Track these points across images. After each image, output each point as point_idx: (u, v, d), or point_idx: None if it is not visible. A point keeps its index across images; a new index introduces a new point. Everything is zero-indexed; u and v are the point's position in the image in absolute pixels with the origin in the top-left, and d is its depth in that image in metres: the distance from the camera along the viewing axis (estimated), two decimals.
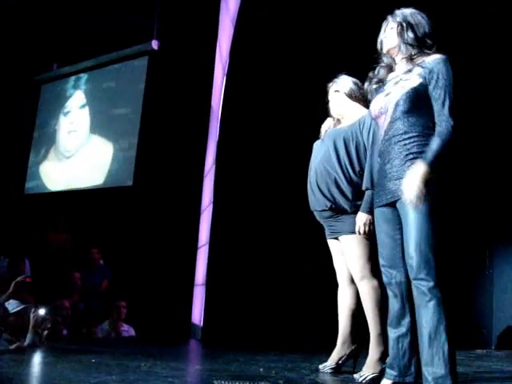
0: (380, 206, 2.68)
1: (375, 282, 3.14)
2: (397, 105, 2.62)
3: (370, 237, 3.10)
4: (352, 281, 3.27)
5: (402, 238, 2.59)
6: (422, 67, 2.59)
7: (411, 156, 2.53)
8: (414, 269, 2.48)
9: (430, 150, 2.46)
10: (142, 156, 7.81)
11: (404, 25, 2.68)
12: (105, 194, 8.01)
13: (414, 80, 2.60)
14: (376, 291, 3.13)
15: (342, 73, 3.48)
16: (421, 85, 2.58)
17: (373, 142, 3.10)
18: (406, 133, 2.58)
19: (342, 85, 3.43)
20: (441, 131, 2.49)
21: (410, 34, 2.66)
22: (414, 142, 2.55)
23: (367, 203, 3.08)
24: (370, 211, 3.01)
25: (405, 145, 2.57)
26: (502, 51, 5.06)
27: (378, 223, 2.72)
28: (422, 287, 2.46)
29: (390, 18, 2.76)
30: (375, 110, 2.72)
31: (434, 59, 2.59)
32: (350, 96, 3.39)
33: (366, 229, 3.09)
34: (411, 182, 2.44)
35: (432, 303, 2.44)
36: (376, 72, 2.80)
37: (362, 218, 3.11)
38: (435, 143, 2.47)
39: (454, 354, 2.42)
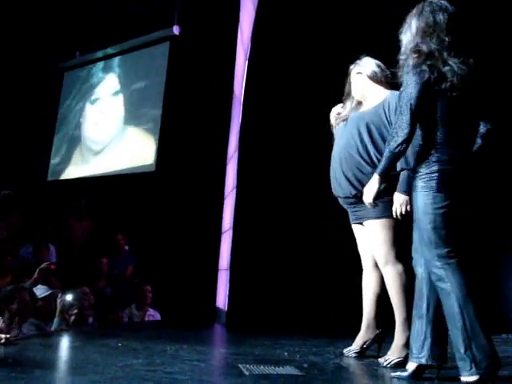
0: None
1: (400, 267, 3.11)
2: None
3: (401, 220, 3.04)
4: (377, 265, 3.24)
5: None
6: None
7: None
8: (418, 260, 2.62)
9: (381, 162, 2.68)
10: (165, 141, 7.85)
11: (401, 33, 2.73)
12: (130, 179, 8.06)
13: None
14: (401, 276, 3.10)
15: (364, 55, 3.44)
16: None
17: None
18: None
19: (364, 67, 3.38)
20: (387, 146, 2.62)
21: (404, 39, 2.70)
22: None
23: (403, 184, 3.00)
24: (407, 192, 2.95)
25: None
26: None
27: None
28: (432, 278, 2.55)
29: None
30: None
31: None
32: (373, 78, 3.34)
33: (403, 209, 3.01)
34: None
35: (442, 293, 2.51)
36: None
37: (398, 198, 3.00)
38: (384, 155, 2.65)
39: (472, 335, 2.44)
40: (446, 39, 2.56)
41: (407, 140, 2.53)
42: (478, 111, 2.66)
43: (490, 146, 2.65)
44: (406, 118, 2.50)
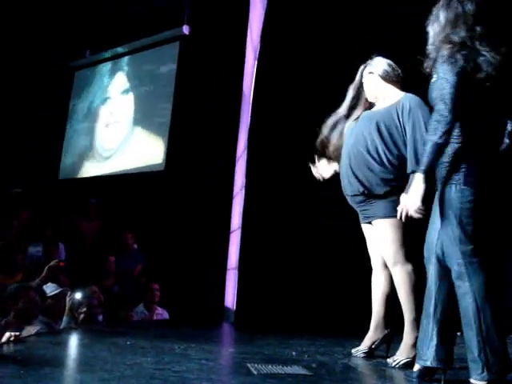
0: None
1: (409, 267, 3.10)
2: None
3: (409, 221, 3.04)
4: (386, 265, 3.23)
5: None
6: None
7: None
8: (447, 258, 2.53)
9: (422, 160, 2.51)
10: (175, 141, 7.86)
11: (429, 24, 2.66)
12: (139, 178, 8.09)
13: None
14: (410, 276, 3.09)
15: (375, 54, 3.43)
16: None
17: (413, 126, 3.07)
18: None
19: (375, 66, 3.36)
20: (429, 137, 2.48)
21: (432, 31, 2.62)
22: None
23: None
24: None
25: None
26: None
27: (434, 207, 2.69)
28: (453, 273, 2.49)
29: None
30: None
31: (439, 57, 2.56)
32: (384, 78, 3.32)
33: (410, 212, 3.01)
34: (408, 196, 2.55)
35: (460, 292, 2.47)
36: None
37: (406, 200, 3.03)
38: (426, 149, 2.49)
39: (486, 338, 2.41)
40: (477, 29, 2.51)
41: (450, 130, 2.44)
42: (507, 107, 2.61)
43: None
44: (447, 107, 2.41)
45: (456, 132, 2.50)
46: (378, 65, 3.36)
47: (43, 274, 4.61)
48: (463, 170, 2.48)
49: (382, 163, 3.15)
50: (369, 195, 3.19)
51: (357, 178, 3.21)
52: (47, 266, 4.70)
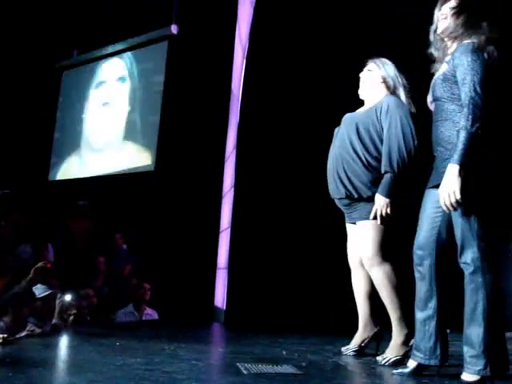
0: (431, 187, 2.66)
1: (386, 267, 3.11)
2: (433, 90, 2.66)
3: (387, 221, 3.08)
4: (363, 264, 3.25)
5: (441, 221, 2.62)
6: (453, 54, 2.58)
7: (450, 145, 2.52)
8: (459, 254, 2.51)
9: (456, 148, 2.40)
10: (164, 141, 7.85)
11: (460, 8, 2.63)
12: (129, 179, 8.06)
13: (445, 66, 2.62)
14: (388, 276, 3.10)
15: (373, 54, 3.41)
16: (448, 71, 2.58)
17: (389, 126, 3.09)
18: (444, 119, 2.60)
19: (377, 67, 3.35)
20: (463, 125, 2.41)
21: (462, 18, 2.61)
22: (449, 129, 2.56)
23: (385, 186, 3.06)
24: (388, 194, 3.02)
25: (442, 132, 2.60)
26: None
27: (424, 204, 2.70)
28: (465, 270, 2.50)
29: None
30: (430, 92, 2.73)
31: (460, 46, 2.56)
32: (385, 79, 3.31)
33: (383, 212, 3.06)
34: (444, 188, 2.42)
35: (471, 287, 2.47)
36: (430, 54, 2.77)
37: (379, 200, 3.08)
38: (459, 139, 2.41)
39: (492, 337, 2.43)
40: (495, 28, 2.56)
41: (483, 118, 2.40)
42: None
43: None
44: (479, 96, 2.40)
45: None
46: (381, 67, 3.34)
47: (30, 275, 4.57)
48: (480, 160, 2.46)
49: (363, 166, 3.17)
50: (354, 198, 3.21)
51: (341, 181, 3.23)
52: (34, 267, 4.67)
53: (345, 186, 3.21)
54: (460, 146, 2.40)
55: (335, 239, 4.60)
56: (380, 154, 3.14)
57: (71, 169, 9.13)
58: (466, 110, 2.42)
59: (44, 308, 4.49)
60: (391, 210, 3.04)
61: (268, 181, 5.48)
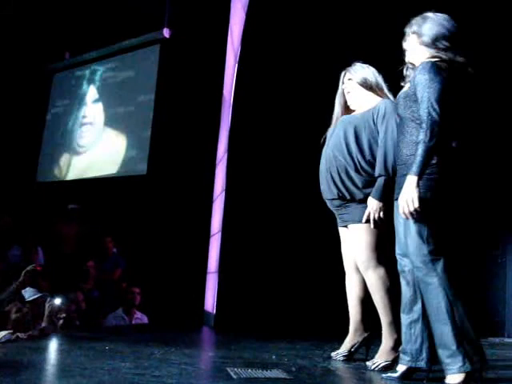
0: (396, 200, 2.71)
1: (381, 271, 3.12)
2: (397, 107, 2.80)
3: (379, 225, 3.09)
4: (358, 269, 3.26)
5: None
6: (414, 73, 2.69)
7: (408, 162, 2.63)
8: (411, 259, 2.61)
9: (415, 160, 2.54)
10: (156, 145, 7.83)
11: (412, 35, 2.77)
12: (119, 182, 8.04)
13: (408, 84, 2.76)
14: (382, 280, 3.11)
15: (357, 60, 3.44)
16: (410, 88, 2.69)
17: (386, 130, 3.11)
18: (403, 139, 2.73)
19: (354, 73, 3.38)
20: (421, 139, 2.54)
21: (415, 43, 2.75)
22: (407, 147, 2.68)
23: (378, 190, 3.07)
24: (382, 198, 3.03)
25: (401, 150, 2.73)
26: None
27: (395, 214, 2.75)
28: (419, 274, 2.57)
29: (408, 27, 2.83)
30: None
31: (420, 65, 2.66)
32: (363, 85, 3.34)
33: (376, 216, 3.07)
34: (403, 197, 2.55)
35: (429, 288, 2.53)
36: (404, 71, 2.88)
37: (372, 204, 3.09)
38: (417, 152, 2.54)
39: (462, 331, 2.48)
40: (453, 43, 2.67)
41: (440, 132, 2.53)
42: (470, 112, 2.73)
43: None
44: (435, 111, 2.53)
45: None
46: (357, 72, 3.38)
47: (20, 278, 4.55)
48: (433, 175, 2.57)
49: (356, 169, 3.19)
50: (346, 199, 3.22)
51: (334, 182, 3.24)
52: (24, 270, 4.65)
53: (337, 187, 3.22)
54: (418, 158, 2.53)
55: (325, 244, 4.62)
56: (373, 157, 3.15)
57: (61, 171, 9.08)
58: (424, 125, 2.54)
59: (33, 311, 4.47)
60: (384, 214, 3.05)
61: (259, 185, 5.49)
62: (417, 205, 2.51)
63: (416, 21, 2.78)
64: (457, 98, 2.62)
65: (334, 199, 3.28)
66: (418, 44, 2.74)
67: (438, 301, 2.50)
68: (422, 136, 2.53)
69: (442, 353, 2.50)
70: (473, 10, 4.79)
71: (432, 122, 2.52)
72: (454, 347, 2.46)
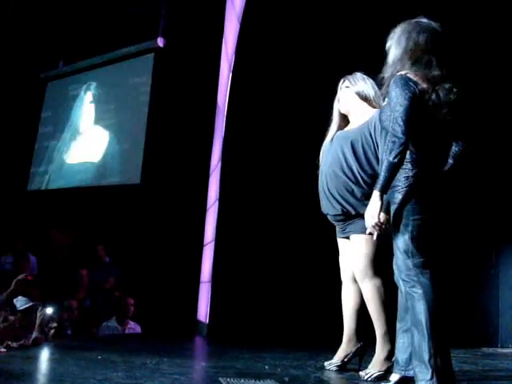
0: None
1: (378, 281, 3.12)
2: (382, 122, 2.75)
3: (382, 237, 3.07)
4: (355, 279, 3.25)
5: None
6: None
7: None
8: (395, 272, 2.64)
9: (380, 177, 2.59)
10: (149, 154, 7.83)
11: (388, 49, 2.77)
12: (113, 191, 8.02)
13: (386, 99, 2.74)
14: (378, 290, 3.11)
15: (357, 70, 3.43)
16: (387, 101, 2.69)
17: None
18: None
19: (353, 82, 3.38)
20: (385, 156, 2.57)
21: (391, 57, 2.74)
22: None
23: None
24: (386, 211, 2.99)
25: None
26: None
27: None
28: (404, 287, 2.59)
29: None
30: None
31: (392, 79, 2.66)
32: (360, 95, 3.33)
33: (382, 228, 3.04)
34: (368, 212, 2.66)
35: (413, 300, 2.55)
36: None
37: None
38: (381, 168, 2.59)
39: (438, 346, 2.47)
40: (430, 58, 2.64)
41: (404, 150, 2.55)
42: (453, 130, 2.69)
43: (460, 166, 2.70)
44: (401, 129, 2.53)
45: (407, 155, 2.61)
46: (358, 82, 3.37)
47: (11, 287, 4.53)
48: (414, 189, 2.59)
49: (357, 183, 3.17)
50: (349, 214, 3.21)
51: (335, 198, 3.23)
52: (15, 279, 4.63)
53: (340, 204, 3.21)
54: (382, 174, 2.58)
55: (319, 253, 4.63)
56: (374, 170, 3.14)
57: (54, 179, 9.06)
58: (388, 143, 2.56)
59: (24, 320, 4.45)
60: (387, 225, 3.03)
61: (253, 194, 5.49)
62: (377, 220, 2.62)
63: (392, 34, 2.77)
64: (428, 112, 2.61)
65: (336, 215, 3.28)
66: (391, 57, 2.74)
67: (419, 311, 2.51)
68: (387, 153, 2.55)
69: (415, 363, 2.52)
70: (473, 10, 4.82)
71: (395, 139, 2.53)
72: (425, 358, 2.46)
